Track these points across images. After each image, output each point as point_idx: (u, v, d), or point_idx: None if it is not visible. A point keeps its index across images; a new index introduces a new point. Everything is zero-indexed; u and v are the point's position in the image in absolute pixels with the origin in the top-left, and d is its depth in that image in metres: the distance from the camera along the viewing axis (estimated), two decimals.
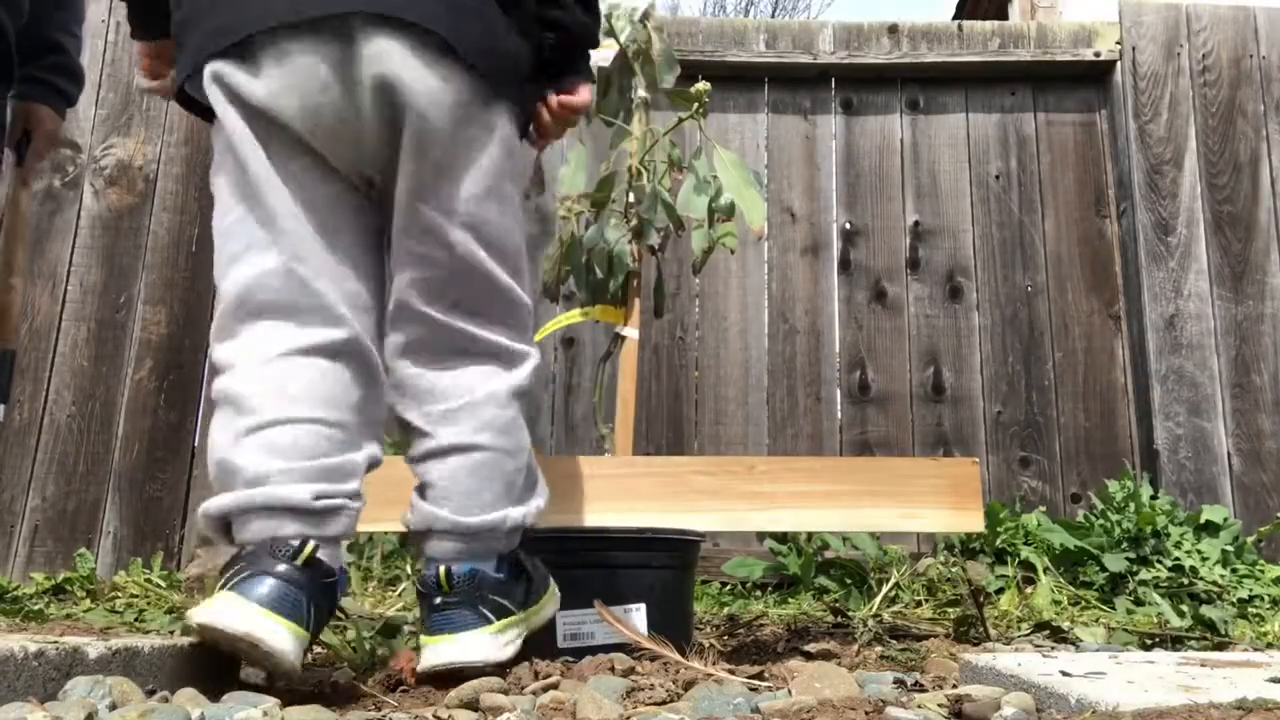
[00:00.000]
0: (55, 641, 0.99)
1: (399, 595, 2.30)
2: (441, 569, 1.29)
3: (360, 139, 1.27)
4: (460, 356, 1.36)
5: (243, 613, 1.10)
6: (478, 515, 1.32)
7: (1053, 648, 1.71)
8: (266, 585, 1.12)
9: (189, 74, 1.28)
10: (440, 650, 1.25)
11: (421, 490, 1.35)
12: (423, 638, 1.29)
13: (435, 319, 1.35)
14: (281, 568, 1.13)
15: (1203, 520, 2.60)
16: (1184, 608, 2.14)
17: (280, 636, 1.10)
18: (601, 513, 1.66)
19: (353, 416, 1.28)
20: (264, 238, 1.26)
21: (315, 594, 1.15)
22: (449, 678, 1.22)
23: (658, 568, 1.53)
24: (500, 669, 1.25)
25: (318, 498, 1.20)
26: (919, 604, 2.32)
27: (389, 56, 1.23)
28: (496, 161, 1.34)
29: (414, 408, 1.36)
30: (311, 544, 1.16)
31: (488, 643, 1.27)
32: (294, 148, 1.26)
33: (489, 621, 1.29)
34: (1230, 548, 2.53)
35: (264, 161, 1.25)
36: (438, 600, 1.29)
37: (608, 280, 1.84)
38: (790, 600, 2.47)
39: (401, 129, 1.26)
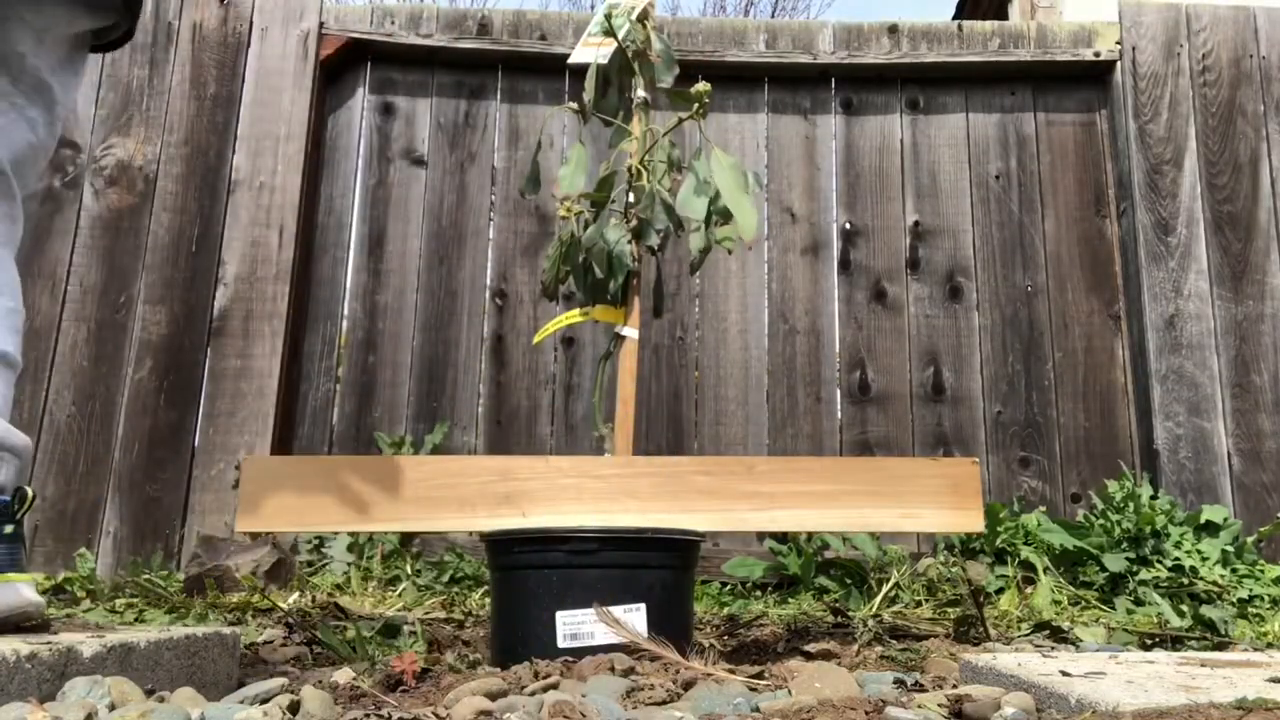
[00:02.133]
0: (49, 642, 0.99)
1: (399, 595, 2.30)
2: (16, 492, 1.11)
3: None
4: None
5: None
6: (17, 435, 1.13)
7: (1053, 648, 1.71)
8: None
9: None
10: (23, 591, 1.06)
11: None
12: None
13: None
14: None
15: (1203, 520, 2.60)
16: (1184, 608, 2.14)
17: None
18: (601, 513, 1.66)
19: None
20: None
21: None
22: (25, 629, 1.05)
23: (657, 568, 1.53)
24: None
25: None
26: (919, 604, 2.32)
27: None
28: None
29: None
30: None
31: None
32: None
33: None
34: (1230, 548, 2.52)
35: None
36: (8, 529, 1.10)
37: (607, 280, 1.84)
38: (790, 600, 2.47)
39: None
